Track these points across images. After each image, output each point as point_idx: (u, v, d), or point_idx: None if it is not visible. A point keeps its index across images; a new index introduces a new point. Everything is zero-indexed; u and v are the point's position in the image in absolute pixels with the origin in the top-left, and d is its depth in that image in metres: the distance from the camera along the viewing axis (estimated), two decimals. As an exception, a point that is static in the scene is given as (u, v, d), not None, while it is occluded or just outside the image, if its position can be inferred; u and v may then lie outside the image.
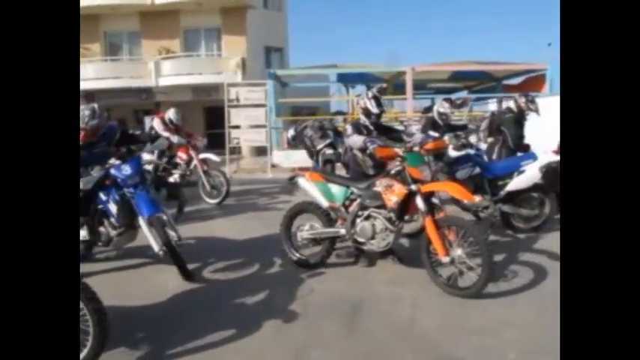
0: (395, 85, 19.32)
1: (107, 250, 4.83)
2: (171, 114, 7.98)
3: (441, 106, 6.48)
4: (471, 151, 5.47)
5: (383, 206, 3.85)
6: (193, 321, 3.26)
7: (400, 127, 15.24)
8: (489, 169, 5.18)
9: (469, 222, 3.49)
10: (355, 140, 4.05)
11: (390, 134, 4.48)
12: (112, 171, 4.13)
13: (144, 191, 4.06)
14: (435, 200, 3.85)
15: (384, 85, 21.27)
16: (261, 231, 5.65)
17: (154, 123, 7.91)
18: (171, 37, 19.62)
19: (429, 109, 22.15)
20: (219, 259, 4.64)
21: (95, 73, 19.26)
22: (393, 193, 3.73)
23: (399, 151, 3.74)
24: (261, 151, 13.86)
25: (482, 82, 20.74)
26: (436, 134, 5.89)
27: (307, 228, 4.32)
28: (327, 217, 4.24)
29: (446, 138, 5.33)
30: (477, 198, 5.17)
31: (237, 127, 11.54)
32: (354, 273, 4.20)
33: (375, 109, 4.29)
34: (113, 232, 4.28)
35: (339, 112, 24.18)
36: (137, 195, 4.02)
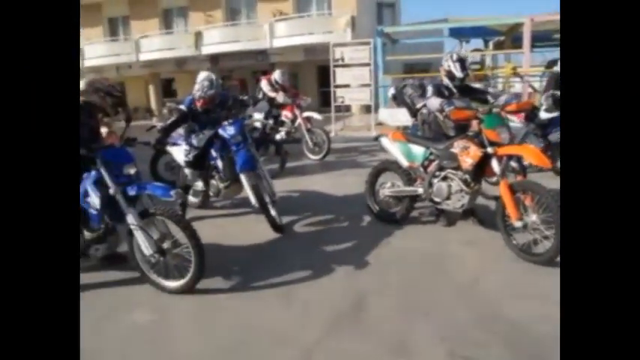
0: (513, 38, 17.86)
1: (220, 200, 5.55)
2: (276, 75, 8.55)
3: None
4: None
5: (459, 167, 3.94)
6: (278, 262, 3.78)
7: (517, 83, 14.14)
8: (589, 131, 4.83)
9: (544, 188, 3.43)
10: (433, 102, 4.13)
11: (475, 95, 4.45)
12: (220, 131, 4.65)
13: (244, 149, 4.55)
14: (513, 164, 3.83)
15: (502, 38, 19.83)
16: (355, 187, 5.93)
17: (262, 84, 8.57)
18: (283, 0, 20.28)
19: (553, 63, 20.11)
20: (311, 211, 5.12)
21: (218, 37, 20.81)
22: (468, 155, 3.80)
23: (474, 113, 3.75)
24: (370, 109, 14.03)
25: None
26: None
27: (389, 185, 4.56)
28: (408, 176, 4.42)
29: (543, 98, 5.09)
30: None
31: (345, 85, 11.83)
32: (432, 231, 4.39)
33: (459, 73, 4.28)
34: (221, 185, 4.92)
35: (452, 68, 23.16)
36: (238, 152, 4.56)
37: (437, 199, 4.13)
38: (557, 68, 6.00)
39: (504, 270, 3.50)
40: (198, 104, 4.79)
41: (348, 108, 16.42)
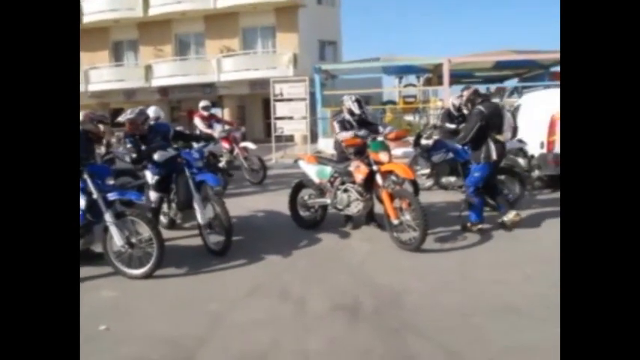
0: (439, 75, 20.03)
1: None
2: (202, 105, 9.51)
3: (454, 99, 7.45)
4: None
5: (355, 182, 5.23)
6: (222, 257, 4.83)
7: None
8: (460, 154, 6.29)
9: (412, 194, 4.78)
10: (338, 133, 5.43)
11: (370, 127, 5.76)
12: (184, 154, 5.07)
13: (206, 171, 5.14)
14: (393, 177, 5.16)
15: (430, 75, 22.05)
16: (284, 204, 7.03)
17: (196, 121, 9.42)
18: (231, 37, 21.73)
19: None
20: (247, 223, 6.25)
21: (168, 71, 21.86)
22: (359, 172, 5.10)
23: (362, 140, 5.08)
24: (311, 139, 15.33)
25: (531, 70, 20.88)
26: (452, 126, 7.07)
27: (306, 198, 5.79)
28: (319, 190, 5.66)
29: (426, 129, 6.54)
30: (455, 179, 6.37)
31: (288, 117, 13.00)
32: (339, 233, 5.61)
33: (357, 111, 5.55)
34: (175, 209, 5.44)
35: (389, 102, 25.27)
36: (200, 174, 5.03)
37: (340, 207, 5.38)
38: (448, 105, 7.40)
39: (385, 255, 4.77)
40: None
41: (291, 138, 17.77)
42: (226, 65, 21.04)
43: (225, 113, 20.45)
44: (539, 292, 3.67)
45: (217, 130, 9.22)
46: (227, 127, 9.80)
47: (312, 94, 16.58)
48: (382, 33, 67.59)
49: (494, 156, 5.10)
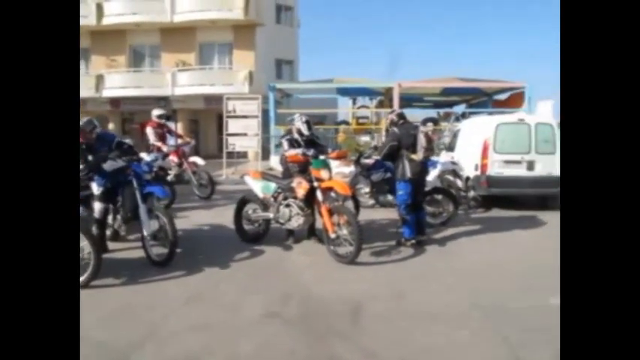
0: (391, 98, 20.82)
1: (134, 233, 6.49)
2: (155, 113, 9.40)
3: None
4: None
5: (296, 197, 5.48)
6: (162, 269, 4.92)
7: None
8: (398, 174, 6.68)
9: (350, 211, 5.08)
10: (286, 150, 5.69)
11: (317, 147, 6.04)
12: (134, 166, 5.17)
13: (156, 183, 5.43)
14: (332, 194, 5.46)
15: (382, 97, 22.86)
16: (230, 218, 7.17)
17: (148, 131, 9.26)
18: (187, 51, 21.74)
19: (429, 121, 23.64)
20: (192, 235, 6.34)
21: (121, 82, 21.52)
22: (301, 187, 5.36)
23: (303, 157, 5.36)
24: (263, 156, 15.54)
25: (476, 97, 22.14)
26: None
27: (250, 212, 5.97)
28: (263, 204, 5.87)
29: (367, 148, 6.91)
30: (388, 197, 6.74)
31: (242, 134, 13.11)
32: (281, 246, 5.81)
33: (305, 132, 5.80)
34: (120, 220, 5.49)
35: (343, 122, 25.93)
36: (149, 185, 5.26)
37: (281, 221, 5.60)
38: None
39: (322, 268, 5.02)
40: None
41: (245, 154, 17.88)
42: (181, 79, 21.00)
43: (179, 127, 20.25)
44: (456, 300, 4.02)
45: (169, 144, 9.22)
46: (180, 140, 9.78)
47: (267, 112, 16.87)
48: (340, 54, 69.00)
49: (408, 174, 5.57)
